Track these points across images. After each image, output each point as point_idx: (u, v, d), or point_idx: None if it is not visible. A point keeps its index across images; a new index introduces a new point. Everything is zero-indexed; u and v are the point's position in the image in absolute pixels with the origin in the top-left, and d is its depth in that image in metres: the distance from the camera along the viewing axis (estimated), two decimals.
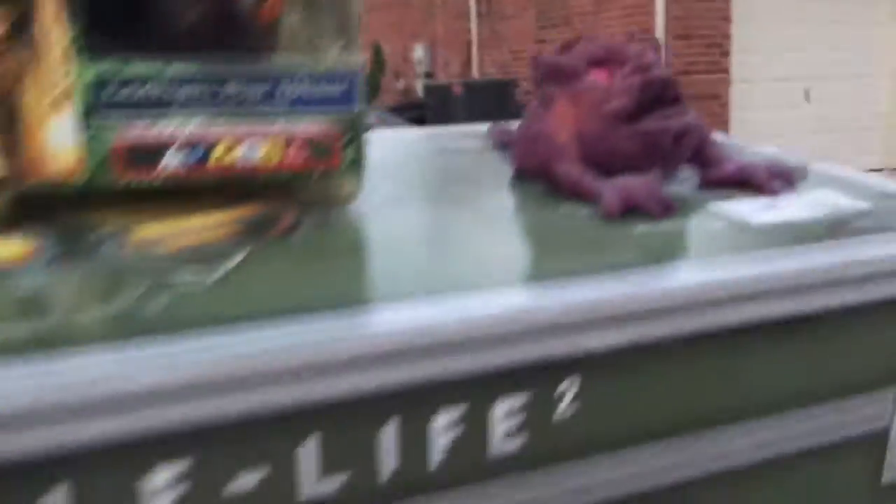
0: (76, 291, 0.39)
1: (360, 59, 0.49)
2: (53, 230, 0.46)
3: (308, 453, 0.34)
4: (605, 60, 0.57)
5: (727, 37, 4.39)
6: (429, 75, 9.59)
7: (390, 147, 0.75)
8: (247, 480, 0.34)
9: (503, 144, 0.68)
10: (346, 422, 0.35)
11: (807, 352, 0.45)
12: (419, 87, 7.41)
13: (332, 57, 0.49)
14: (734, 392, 0.44)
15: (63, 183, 0.45)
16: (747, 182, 0.57)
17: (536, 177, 0.58)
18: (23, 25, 0.43)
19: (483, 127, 0.80)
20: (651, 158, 0.55)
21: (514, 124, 0.69)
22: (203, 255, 0.43)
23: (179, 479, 0.33)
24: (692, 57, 4.34)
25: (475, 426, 0.37)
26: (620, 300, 0.40)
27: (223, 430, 0.33)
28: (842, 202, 0.55)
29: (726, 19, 4.40)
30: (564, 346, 0.38)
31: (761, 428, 0.45)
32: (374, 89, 6.01)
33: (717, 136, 0.62)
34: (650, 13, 4.62)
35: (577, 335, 0.39)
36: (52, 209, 0.47)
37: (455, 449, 0.37)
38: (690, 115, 0.56)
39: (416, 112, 5.28)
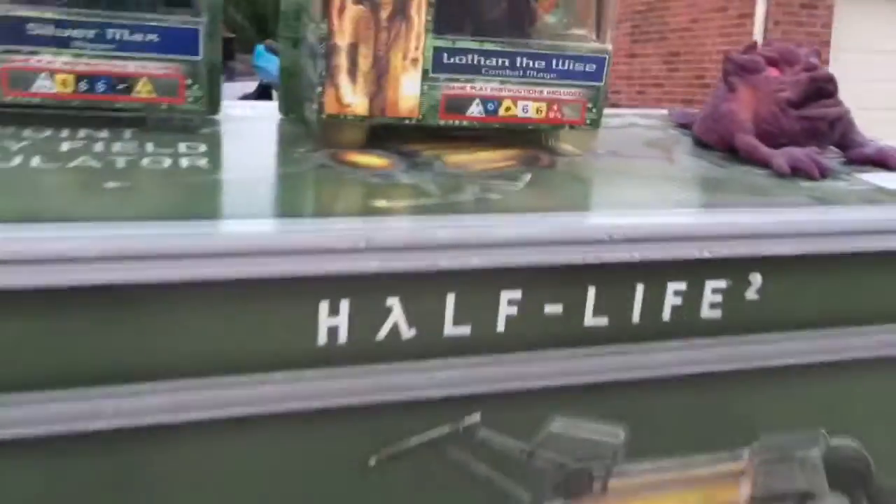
0: (439, 185, 0.59)
1: (609, 45, 0.68)
2: (395, 152, 0.66)
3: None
4: (777, 61, 0.75)
5: (826, 62, 4.48)
6: None
7: None
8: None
9: (681, 124, 0.87)
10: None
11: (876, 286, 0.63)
12: None
13: (589, 44, 0.68)
14: (848, 301, 0.62)
15: (405, 119, 0.65)
16: (883, 162, 0.74)
17: (716, 146, 0.76)
18: (398, 9, 0.63)
19: (657, 111, 0.98)
20: (810, 138, 0.73)
21: (688, 110, 0.88)
22: (501, 175, 0.63)
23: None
24: None
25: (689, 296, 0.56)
26: (790, 223, 0.58)
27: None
28: None
29: (826, 44, 4.49)
30: (746, 249, 0.57)
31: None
32: None
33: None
34: (748, 32, 4.72)
35: (758, 242, 0.57)
36: (393, 137, 0.68)
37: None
38: (842, 107, 0.74)
39: None
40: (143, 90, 0.64)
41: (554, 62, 0.67)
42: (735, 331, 0.58)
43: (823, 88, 0.73)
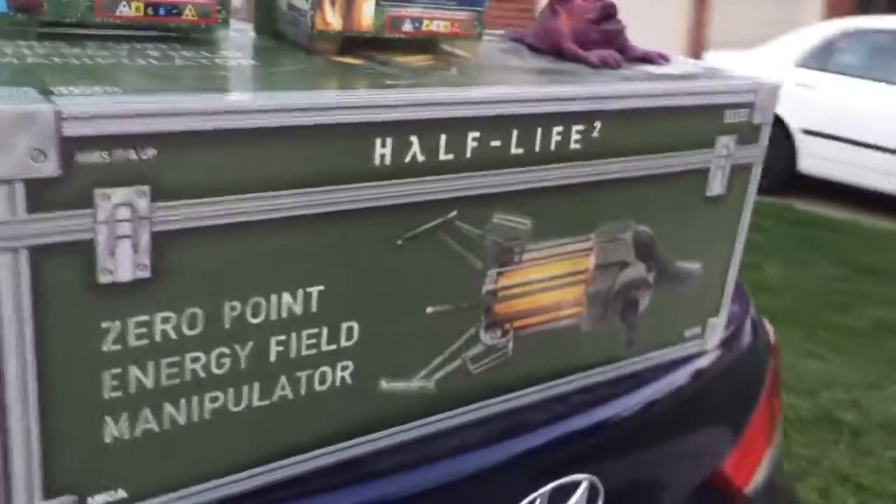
0: (412, 72, 0.93)
1: None
2: (359, 56, 0.98)
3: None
4: None
5: None
6: None
7: None
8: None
9: (514, 39, 1.25)
10: None
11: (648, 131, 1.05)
12: None
13: None
14: (647, 137, 1.04)
15: (364, 33, 0.98)
16: (648, 59, 1.17)
17: (546, 52, 1.15)
18: None
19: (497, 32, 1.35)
20: (606, 44, 1.14)
21: (518, 29, 1.26)
22: (440, 68, 0.98)
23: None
24: None
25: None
26: (610, 90, 0.99)
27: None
28: (689, 69, 1.17)
29: None
30: (593, 106, 0.96)
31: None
32: None
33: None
34: None
35: (600, 101, 0.97)
36: (354, 47, 0.99)
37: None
38: (622, 24, 1.15)
39: None
40: (189, 14, 0.91)
41: None
42: (587, 157, 0.98)
43: (611, 12, 1.14)
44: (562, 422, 1.04)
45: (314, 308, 0.83)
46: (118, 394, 0.74)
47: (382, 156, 0.82)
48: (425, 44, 1.05)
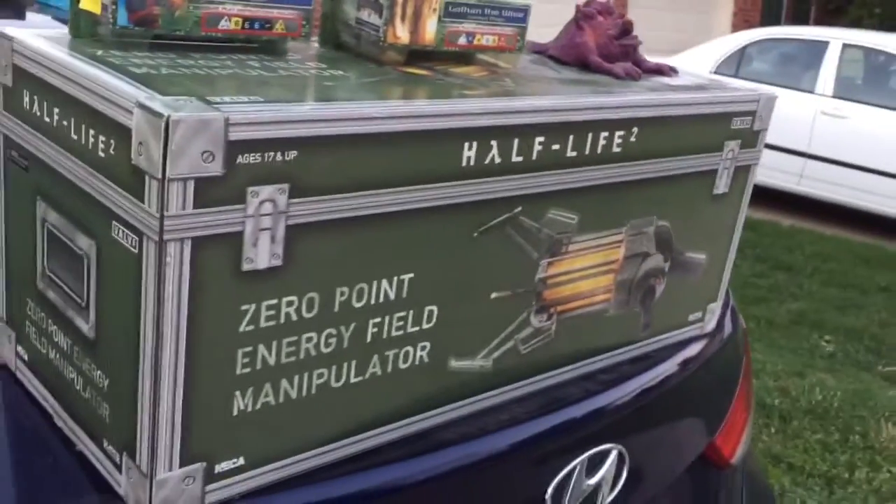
0: (475, 82, 1.03)
1: (530, 1, 1.15)
2: (421, 67, 1.08)
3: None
4: (602, 12, 1.27)
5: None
6: None
7: None
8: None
9: (535, 51, 1.36)
10: None
11: (672, 136, 1.19)
12: None
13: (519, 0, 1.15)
14: (652, 148, 1.16)
15: (427, 46, 1.08)
16: (660, 71, 1.30)
17: (571, 64, 1.27)
18: None
19: None
20: (625, 58, 1.26)
21: (536, 42, 1.38)
22: (493, 78, 1.08)
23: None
24: None
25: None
26: (647, 100, 1.11)
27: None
28: (698, 80, 1.30)
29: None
30: (630, 114, 1.08)
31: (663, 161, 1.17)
32: None
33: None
34: None
35: (635, 110, 1.09)
36: (415, 58, 1.09)
37: None
38: (637, 40, 1.28)
39: None
40: (279, 28, 0.99)
41: (502, 11, 1.13)
42: (625, 159, 1.10)
43: (628, 28, 1.26)
44: (595, 396, 1.16)
45: (405, 294, 0.93)
46: (247, 370, 0.83)
47: (469, 158, 0.92)
48: (471, 56, 1.15)
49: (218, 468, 0.84)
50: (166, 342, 0.76)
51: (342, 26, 1.11)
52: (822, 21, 11.89)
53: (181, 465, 0.81)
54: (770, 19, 11.65)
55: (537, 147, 0.99)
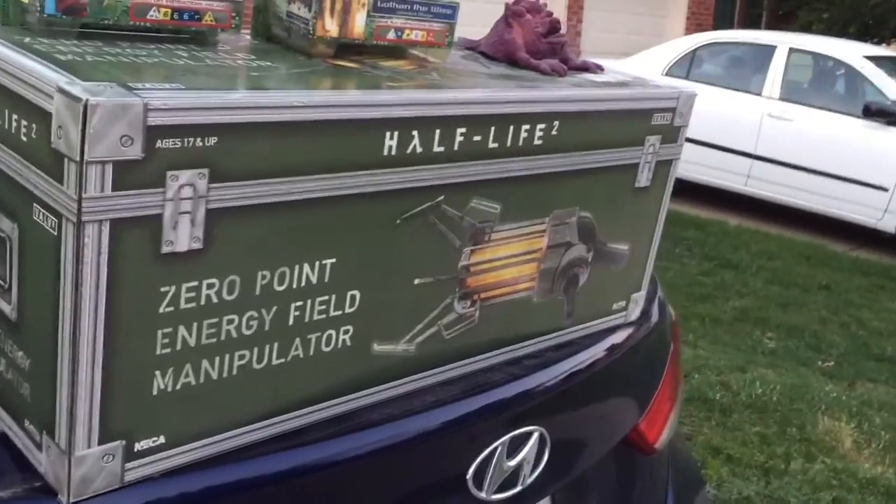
0: (405, 76, 1.06)
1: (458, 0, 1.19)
2: (350, 60, 1.11)
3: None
4: (531, 10, 1.31)
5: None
6: None
7: None
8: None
9: (467, 47, 1.40)
10: None
11: (594, 130, 1.23)
12: None
13: None
14: (574, 142, 1.21)
15: (354, 40, 1.11)
16: (586, 68, 1.34)
17: (501, 60, 1.31)
18: None
19: None
20: (552, 55, 1.30)
21: (468, 38, 1.41)
22: (422, 71, 1.12)
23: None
24: None
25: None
26: (567, 95, 1.16)
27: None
28: (621, 77, 1.35)
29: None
30: (552, 108, 1.13)
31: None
32: None
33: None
34: None
35: (557, 104, 1.13)
36: (345, 51, 1.12)
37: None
38: (565, 38, 1.32)
39: None
40: (208, 19, 1.02)
41: (431, 8, 1.17)
42: (547, 151, 1.14)
43: (556, 27, 1.31)
44: (517, 381, 1.20)
45: (326, 278, 0.96)
46: (167, 350, 0.85)
47: (391, 147, 0.96)
48: (401, 50, 1.19)
49: (138, 446, 0.86)
50: (84, 322, 0.78)
51: (274, 19, 1.13)
52: (773, 26, 12.12)
53: (100, 443, 0.83)
54: (723, 23, 11.85)
55: (459, 138, 1.02)
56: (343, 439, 1.03)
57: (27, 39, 0.90)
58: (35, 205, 0.80)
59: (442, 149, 1.01)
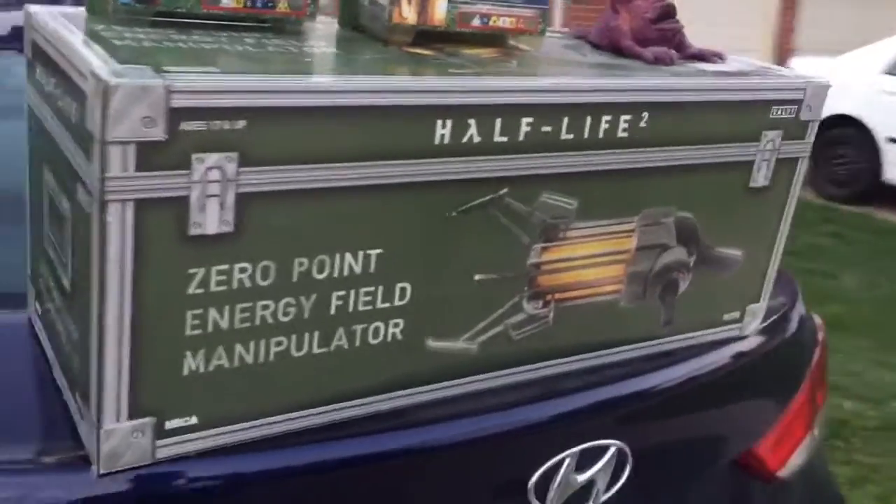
0: (475, 62, 1.02)
1: None
2: (429, 48, 1.08)
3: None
4: None
5: None
6: None
7: None
8: None
9: (577, 36, 1.33)
10: None
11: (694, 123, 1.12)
12: None
13: None
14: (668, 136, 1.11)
15: (435, 27, 1.07)
16: (702, 57, 1.24)
17: (606, 49, 1.23)
18: None
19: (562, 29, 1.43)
20: (663, 42, 1.21)
21: (580, 27, 1.34)
22: (502, 59, 1.07)
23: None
24: None
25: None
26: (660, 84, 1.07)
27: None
28: (742, 67, 1.23)
29: None
30: (640, 98, 1.04)
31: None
32: None
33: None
34: None
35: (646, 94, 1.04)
36: (427, 39, 1.09)
37: None
38: (680, 24, 1.22)
39: None
40: (282, 6, 1.02)
41: None
42: (633, 145, 1.06)
43: (669, 12, 1.21)
44: (596, 390, 1.13)
45: (372, 269, 0.93)
46: (198, 332, 0.86)
47: (442, 136, 0.92)
48: (492, 38, 1.14)
49: (169, 425, 0.88)
50: (110, 298, 0.80)
51: (359, 8, 1.12)
52: None
53: (129, 418, 0.85)
54: None
55: (525, 128, 0.96)
56: (392, 435, 1.00)
57: (100, 27, 0.94)
58: (78, 184, 0.83)
59: (505, 139, 0.96)
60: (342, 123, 0.86)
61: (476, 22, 1.10)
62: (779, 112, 1.17)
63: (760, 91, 1.15)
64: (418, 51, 1.06)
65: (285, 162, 0.84)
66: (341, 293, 0.93)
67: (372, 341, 0.97)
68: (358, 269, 0.92)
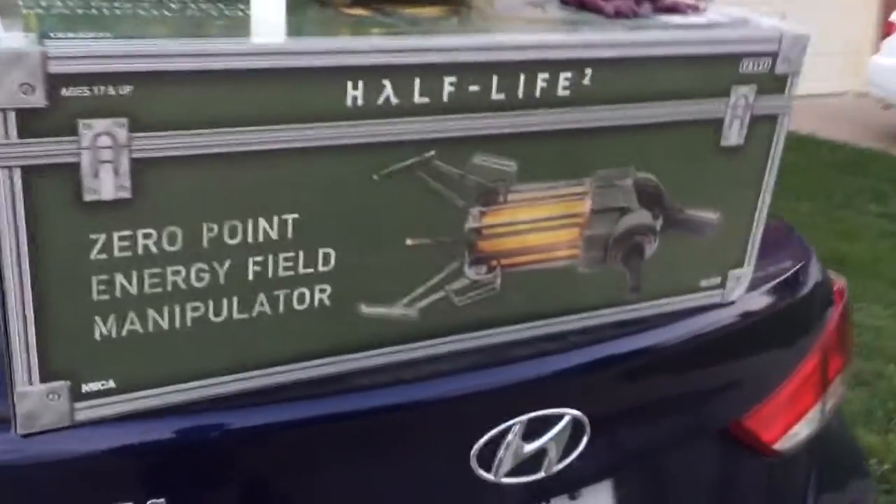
0: (405, 21, 0.99)
1: None
2: (371, 8, 1.05)
3: None
4: None
5: None
6: None
7: None
8: None
9: None
10: None
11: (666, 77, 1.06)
12: None
13: None
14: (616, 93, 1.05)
15: None
16: (676, 9, 1.17)
17: (572, 4, 1.18)
18: None
19: None
20: None
21: None
22: (440, 18, 1.03)
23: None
24: None
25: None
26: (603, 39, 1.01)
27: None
28: (716, 18, 1.16)
29: None
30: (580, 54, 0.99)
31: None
32: None
33: None
34: None
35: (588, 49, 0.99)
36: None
37: None
38: None
39: None
40: None
41: None
42: (577, 103, 1.01)
43: None
44: (547, 357, 1.09)
45: (290, 234, 0.92)
46: (105, 297, 0.86)
47: (355, 97, 0.89)
48: None
49: (85, 388, 0.89)
50: (5, 263, 0.81)
51: None
52: None
53: (42, 381, 0.87)
54: None
55: (448, 88, 0.93)
56: (328, 401, 1.00)
57: None
58: None
59: (426, 100, 0.93)
60: (242, 87, 0.84)
61: None
62: (750, 66, 1.10)
63: (725, 43, 1.08)
64: (353, 11, 1.03)
65: (182, 127, 0.83)
66: (258, 259, 0.92)
67: (298, 307, 0.96)
68: (274, 234, 0.91)
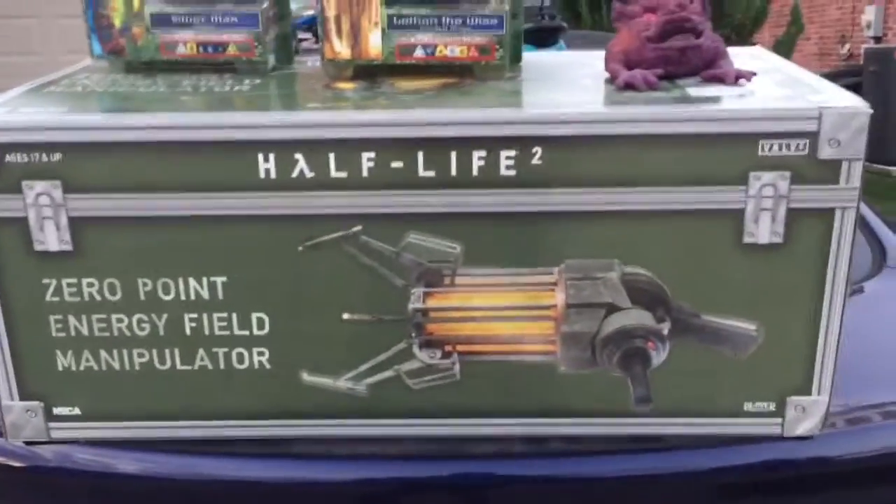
0: (363, 97, 1.00)
1: (504, 9, 1.03)
2: (368, 81, 1.07)
3: None
4: (654, 9, 1.03)
5: None
6: (877, 40, 9.05)
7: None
8: None
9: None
10: None
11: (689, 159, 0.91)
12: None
13: (494, 7, 1.03)
14: (642, 171, 0.91)
15: (374, 60, 1.06)
16: (720, 79, 1.00)
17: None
18: None
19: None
20: (667, 64, 1.01)
21: None
22: (435, 94, 1.01)
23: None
24: None
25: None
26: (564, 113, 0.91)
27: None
28: (750, 89, 0.97)
29: None
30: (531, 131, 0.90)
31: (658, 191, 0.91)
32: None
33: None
34: None
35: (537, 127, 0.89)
36: (365, 74, 1.08)
37: None
38: (692, 41, 1.00)
39: (852, 79, 5.02)
40: (232, 50, 1.11)
41: (467, 20, 1.04)
42: (526, 185, 0.92)
43: (678, 27, 1.01)
44: (505, 460, 0.99)
45: (220, 296, 0.98)
46: (62, 335, 1.00)
47: (267, 170, 0.93)
48: (461, 69, 1.07)
49: (56, 411, 1.03)
50: None
51: None
52: None
53: (21, 399, 1.03)
54: None
55: (367, 163, 0.92)
56: (265, 463, 1.03)
57: (99, 76, 1.13)
58: None
59: (344, 174, 0.93)
60: (163, 156, 0.93)
61: (419, 53, 1.05)
62: (774, 148, 0.90)
63: (732, 121, 0.90)
64: (341, 85, 1.06)
65: (108, 190, 0.94)
66: (193, 315, 0.99)
67: (238, 366, 1.01)
68: (205, 294, 0.98)
